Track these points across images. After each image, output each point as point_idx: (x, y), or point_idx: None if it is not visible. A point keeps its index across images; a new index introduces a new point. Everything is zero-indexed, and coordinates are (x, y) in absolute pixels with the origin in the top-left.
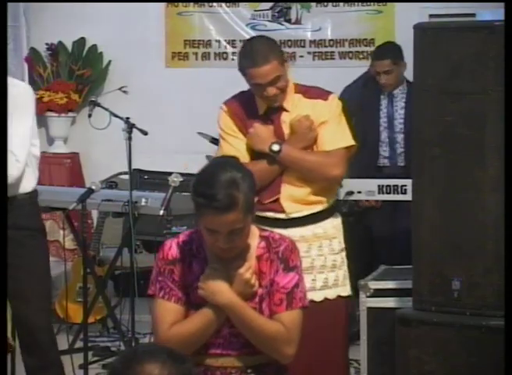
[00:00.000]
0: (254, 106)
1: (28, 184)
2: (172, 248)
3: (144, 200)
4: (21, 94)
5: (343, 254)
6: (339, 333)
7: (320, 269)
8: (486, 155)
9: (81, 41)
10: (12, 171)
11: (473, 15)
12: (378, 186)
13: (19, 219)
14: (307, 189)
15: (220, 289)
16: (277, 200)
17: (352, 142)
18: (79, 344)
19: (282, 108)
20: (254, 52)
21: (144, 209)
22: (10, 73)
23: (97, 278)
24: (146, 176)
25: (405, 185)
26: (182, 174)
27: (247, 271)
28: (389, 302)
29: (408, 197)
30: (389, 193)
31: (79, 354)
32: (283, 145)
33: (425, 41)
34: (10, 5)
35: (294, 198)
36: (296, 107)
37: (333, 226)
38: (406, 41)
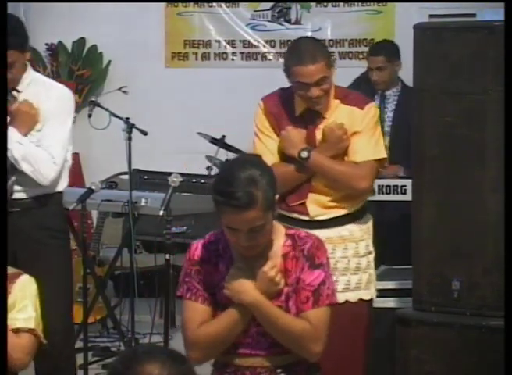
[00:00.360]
0: (291, 106)
1: (58, 186)
2: (198, 248)
3: (143, 200)
4: (64, 97)
5: (370, 257)
6: (359, 336)
7: (343, 272)
8: (486, 155)
9: (81, 41)
10: (50, 173)
11: (473, 15)
12: (378, 186)
13: (44, 218)
14: (334, 196)
15: (245, 288)
16: (303, 203)
17: (383, 155)
18: (79, 344)
19: (319, 114)
20: (303, 51)
21: (143, 209)
22: None
23: (97, 278)
24: (146, 177)
25: (405, 185)
26: (182, 174)
27: (272, 269)
28: (389, 302)
29: (408, 197)
30: (389, 193)
31: (79, 354)
32: (312, 152)
33: (425, 41)
34: (10, 5)
35: (320, 203)
36: (332, 113)
37: (361, 228)
38: (406, 41)
